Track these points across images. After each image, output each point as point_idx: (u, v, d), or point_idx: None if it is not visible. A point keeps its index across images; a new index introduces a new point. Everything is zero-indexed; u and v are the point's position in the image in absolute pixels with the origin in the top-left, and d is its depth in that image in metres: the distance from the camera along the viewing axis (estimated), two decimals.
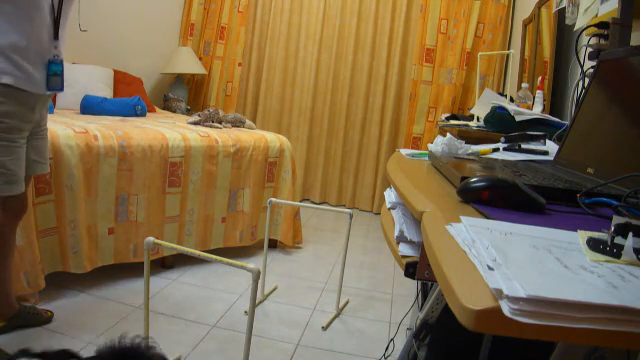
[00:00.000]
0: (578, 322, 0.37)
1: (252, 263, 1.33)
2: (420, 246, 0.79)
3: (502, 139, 1.40)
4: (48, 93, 1.51)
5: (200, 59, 4.30)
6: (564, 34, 2.13)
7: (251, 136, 2.78)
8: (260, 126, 4.09)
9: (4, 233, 1.63)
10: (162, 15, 4.25)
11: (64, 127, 2.06)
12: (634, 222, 0.51)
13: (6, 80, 1.35)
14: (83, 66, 3.28)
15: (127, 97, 3.22)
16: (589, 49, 1.50)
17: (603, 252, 0.49)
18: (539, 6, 2.50)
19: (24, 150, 1.47)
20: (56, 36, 1.47)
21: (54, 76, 1.46)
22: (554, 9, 2.21)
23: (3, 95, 1.35)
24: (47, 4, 1.43)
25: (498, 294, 0.38)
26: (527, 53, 2.79)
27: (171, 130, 2.48)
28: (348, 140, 4.21)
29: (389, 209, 0.98)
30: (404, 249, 0.82)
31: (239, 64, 4.24)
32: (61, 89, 1.50)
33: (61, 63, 1.48)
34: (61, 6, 1.47)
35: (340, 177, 4.24)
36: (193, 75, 4.39)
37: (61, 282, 2.12)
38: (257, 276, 1.34)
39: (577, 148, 1.09)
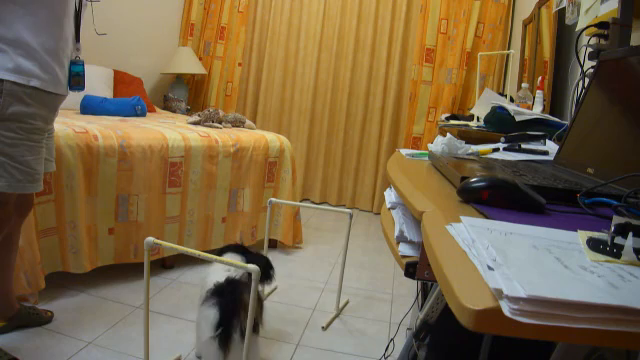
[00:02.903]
0: (578, 322, 0.37)
1: (252, 263, 1.33)
2: (420, 246, 0.79)
3: (502, 139, 1.40)
4: (70, 93, 1.57)
5: (200, 59, 4.30)
6: (564, 34, 2.13)
7: (251, 136, 2.78)
8: (260, 126, 4.09)
9: (11, 231, 1.64)
10: (162, 15, 4.25)
11: (64, 127, 2.06)
12: (634, 222, 0.51)
13: (34, 83, 1.39)
14: None
15: (127, 97, 3.22)
16: (589, 49, 1.50)
17: (603, 252, 0.49)
18: (539, 6, 2.50)
19: (44, 150, 1.51)
20: (78, 39, 1.55)
21: (76, 76, 1.54)
22: (554, 9, 2.21)
23: (31, 97, 1.39)
24: (72, 9, 1.50)
25: (498, 294, 0.38)
26: (527, 53, 2.79)
27: (171, 130, 2.48)
28: (348, 140, 4.21)
29: (389, 209, 0.98)
30: (404, 249, 0.82)
31: (239, 64, 4.24)
32: (82, 88, 1.58)
33: (82, 64, 1.56)
34: (81, 11, 1.54)
35: (340, 177, 4.24)
36: (193, 75, 4.40)
37: (61, 282, 2.12)
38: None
39: (577, 148, 1.09)
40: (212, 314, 1.42)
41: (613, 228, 0.52)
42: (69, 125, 2.12)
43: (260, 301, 1.54)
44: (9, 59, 1.34)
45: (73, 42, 1.53)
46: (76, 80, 1.55)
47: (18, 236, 1.71)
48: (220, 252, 1.74)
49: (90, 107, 2.96)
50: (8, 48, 1.34)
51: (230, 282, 1.49)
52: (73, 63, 1.54)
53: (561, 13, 2.11)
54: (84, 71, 1.57)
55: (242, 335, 1.41)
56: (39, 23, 1.38)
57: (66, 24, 1.47)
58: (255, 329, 1.47)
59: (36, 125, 1.43)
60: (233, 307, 1.43)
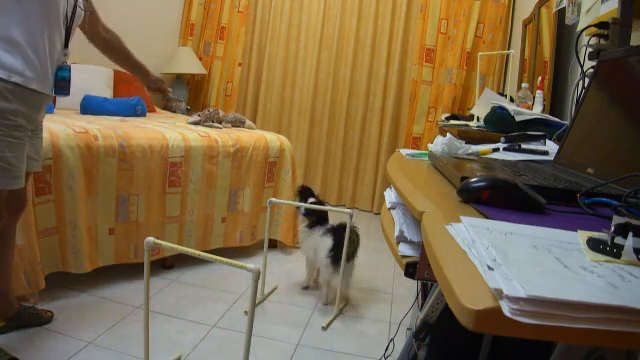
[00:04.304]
0: (578, 322, 0.37)
1: (252, 263, 1.33)
2: (420, 246, 0.79)
3: (502, 139, 1.40)
4: (54, 95, 1.57)
5: (200, 59, 4.30)
6: (564, 34, 2.13)
7: (251, 136, 2.78)
8: (260, 126, 4.09)
9: (5, 229, 1.63)
10: (162, 15, 4.25)
11: (64, 127, 2.06)
12: (634, 222, 0.51)
13: (15, 79, 1.38)
14: (83, 66, 3.28)
15: (127, 97, 3.22)
16: (589, 49, 1.50)
17: (603, 252, 0.49)
18: (539, 6, 2.50)
19: (26, 148, 1.51)
20: (67, 44, 1.55)
21: (62, 81, 1.54)
22: (554, 9, 2.21)
23: (12, 94, 1.39)
24: (63, 15, 1.50)
25: (498, 294, 0.38)
26: (527, 53, 2.79)
27: (171, 130, 2.48)
28: (348, 140, 4.21)
29: (389, 209, 0.98)
30: (404, 249, 0.82)
31: (239, 64, 4.24)
32: (67, 94, 1.58)
33: (69, 69, 1.56)
34: (73, 19, 1.55)
35: (340, 177, 4.24)
36: (193, 75, 4.40)
37: (61, 282, 2.12)
38: (257, 276, 1.34)
39: (577, 148, 1.09)
40: (329, 242, 2.16)
41: (613, 228, 0.51)
42: (69, 125, 2.12)
43: (357, 236, 2.28)
44: None
45: (62, 46, 1.53)
46: (61, 84, 1.55)
47: (14, 234, 1.71)
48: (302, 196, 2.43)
49: (90, 107, 2.96)
50: None
51: (340, 225, 2.22)
52: (59, 68, 1.54)
53: (561, 13, 2.11)
54: (70, 76, 1.57)
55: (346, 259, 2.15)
56: (28, 20, 1.38)
57: (55, 27, 1.47)
58: (350, 258, 2.21)
59: (17, 122, 1.42)
60: (341, 239, 2.13)
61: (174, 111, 3.94)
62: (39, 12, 1.40)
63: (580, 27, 1.79)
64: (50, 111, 1.62)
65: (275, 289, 2.40)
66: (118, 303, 2.06)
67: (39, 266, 1.88)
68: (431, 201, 0.72)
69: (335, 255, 2.14)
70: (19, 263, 1.80)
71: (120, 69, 3.72)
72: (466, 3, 3.81)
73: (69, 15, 1.53)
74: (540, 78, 2.19)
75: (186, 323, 1.97)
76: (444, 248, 0.51)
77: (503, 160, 1.16)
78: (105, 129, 2.20)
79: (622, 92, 1.02)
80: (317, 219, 2.36)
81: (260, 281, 2.17)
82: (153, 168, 2.30)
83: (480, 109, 2.26)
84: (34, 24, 1.39)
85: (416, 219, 0.74)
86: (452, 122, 2.59)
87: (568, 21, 2.02)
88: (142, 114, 3.14)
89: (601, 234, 0.53)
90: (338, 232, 2.18)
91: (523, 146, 1.36)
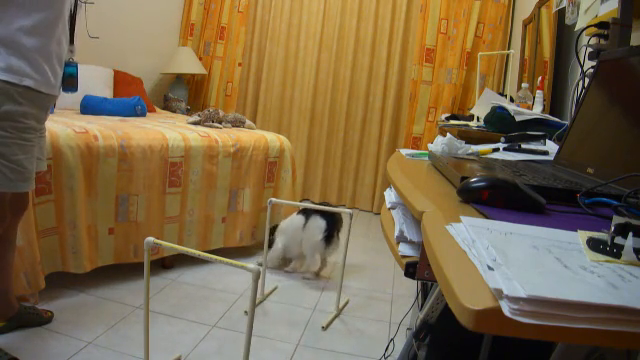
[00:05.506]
0: (578, 322, 0.37)
1: (252, 263, 1.33)
2: (420, 246, 0.79)
3: (502, 139, 1.40)
4: (63, 94, 1.60)
5: (200, 59, 4.30)
6: (564, 34, 2.13)
7: (251, 136, 2.78)
8: (260, 126, 4.09)
9: (6, 231, 1.64)
10: (162, 15, 4.25)
11: (64, 127, 2.06)
12: (634, 222, 0.51)
13: (27, 83, 1.40)
14: (83, 66, 3.25)
15: (127, 97, 3.22)
16: (589, 49, 1.50)
17: (603, 252, 0.49)
18: (539, 6, 2.50)
19: (36, 149, 1.52)
20: (72, 41, 1.57)
21: (70, 78, 1.57)
22: (554, 9, 2.21)
23: (22, 97, 1.40)
24: (67, 12, 1.51)
25: (498, 294, 0.38)
26: (527, 53, 2.79)
27: (171, 130, 2.48)
28: (348, 140, 4.21)
29: (389, 209, 0.98)
30: (404, 249, 0.82)
31: (239, 64, 4.24)
32: (75, 90, 1.60)
33: (76, 66, 1.58)
34: (75, 14, 1.57)
35: (340, 177, 4.23)
36: (193, 75, 4.39)
37: (61, 282, 2.12)
38: (257, 276, 1.34)
39: (577, 148, 1.09)
40: (323, 223, 2.44)
41: (613, 228, 0.51)
42: (69, 125, 2.12)
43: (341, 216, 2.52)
44: (1, 59, 1.35)
45: (67, 44, 1.55)
46: (69, 81, 1.57)
47: (15, 235, 1.71)
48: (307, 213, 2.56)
49: (90, 107, 2.96)
50: (1, 48, 1.35)
51: (327, 211, 2.47)
52: (67, 65, 1.55)
53: (561, 13, 2.12)
54: (77, 73, 1.59)
55: (337, 236, 2.49)
56: (36, 25, 1.39)
57: (61, 26, 1.48)
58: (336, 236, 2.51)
59: (28, 124, 1.43)
60: (333, 220, 2.47)
61: (174, 111, 3.94)
62: (45, 18, 1.41)
63: (579, 26, 1.79)
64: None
65: (275, 289, 2.40)
66: (118, 303, 2.06)
67: (39, 266, 1.88)
68: (431, 201, 0.72)
69: (329, 235, 2.45)
70: (19, 263, 1.80)
71: (120, 69, 3.75)
72: (466, 3, 3.81)
73: (72, 11, 1.54)
74: (540, 78, 2.19)
75: (186, 323, 1.97)
76: (444, 248, 0.51)
77: (503, 160, 1.16)
78: (105, 129, 2.20)
79: (622, 92, 1.02)
80: None
81: (260, 281, 2.17)
82: (153, 168, 2.30)
83: (480, 109, 2.26)
84: (41, 29, 1.40)
85: (416, 219, 0.74)
86: (452, 122, 2.58)
87: (568, 21, 2.02)
88: (142, 114, 3.14)
89: (601, 234, 0.53)
90: (329, 216, 2.47)
91: (523, 146, 1.36)
